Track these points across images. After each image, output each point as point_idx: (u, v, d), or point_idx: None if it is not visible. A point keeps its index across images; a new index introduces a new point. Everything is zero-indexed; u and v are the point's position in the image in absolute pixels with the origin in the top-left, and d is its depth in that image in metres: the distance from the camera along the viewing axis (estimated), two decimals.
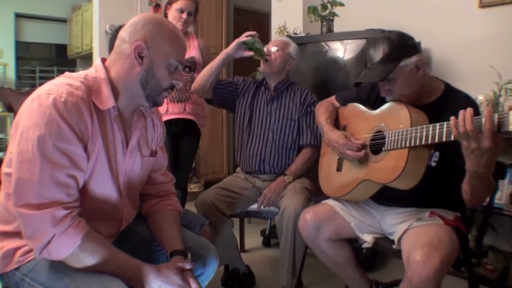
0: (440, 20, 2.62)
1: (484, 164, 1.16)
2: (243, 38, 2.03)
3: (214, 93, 2.20)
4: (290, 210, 1.89)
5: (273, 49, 2.16)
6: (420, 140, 1.32)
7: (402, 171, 1.35)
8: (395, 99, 1.50)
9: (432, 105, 1.49)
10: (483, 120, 1.10)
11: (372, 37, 1.52)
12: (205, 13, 4.30)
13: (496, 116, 1.09)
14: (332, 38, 2.71)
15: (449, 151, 1.40)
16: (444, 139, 1.24)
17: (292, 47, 2.21)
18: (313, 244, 1.69)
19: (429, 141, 1.29)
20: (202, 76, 2.14)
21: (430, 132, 1.28)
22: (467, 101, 1.41)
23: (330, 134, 1.67)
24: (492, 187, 1.32)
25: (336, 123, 1.78)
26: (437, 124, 1.27)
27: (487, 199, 1.59)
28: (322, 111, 1.80)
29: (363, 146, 1.55)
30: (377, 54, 1.44)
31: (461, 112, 1.15)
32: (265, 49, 2.12)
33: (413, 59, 1.42)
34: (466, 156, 1.19)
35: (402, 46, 1.43)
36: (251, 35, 2.02)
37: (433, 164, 1.46)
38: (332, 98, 1.87)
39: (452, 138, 1.21)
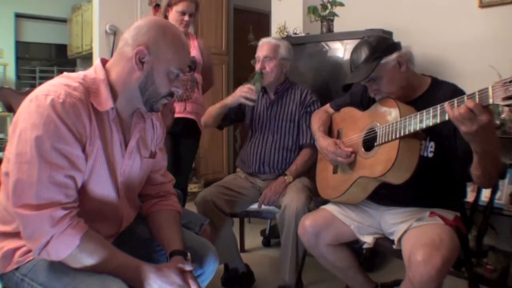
0: (440, 20, 2.62)
1: (490, 137, 1.18)
2: (243, 94, 2.00)
3: (222, 123, 2.25)
4: (291, 208, 1.90)
5: (266, 60, 2.12)
6: (409, 128, 1.35)
7: (394, 162, 1.37)
8: (384, 97, 1.54)
9: (420, 99, 1.52)
10: (465, 98, 1.15)
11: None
12: (205, 13, 4.29)
13: (476, 93, 1.13)
14: (332, 38, 2.71)
15: (445, 140, 1.44)
16: (431, 123, 1.28)
17: (283, 48, 2.17)
18: (313, 250, 1.69)
19: (417, 128, 1.32)
20: (206, 116, 2.20)
21: (418, 119, 1.32)
22: (454, 89, 1.44)
23: (321, 141, 1.72)
24: (501, 162, 1.34)
25: (331, 129, 1.82)
26: (424, 111, 1.31)
27: (488, 196, 1.60)
28: (316, 120, 1.87)
29: (353, 153, 1.58)
30: (359, 57, 1.52)
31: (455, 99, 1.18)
32: (257, 65, 2.13)
33: (394, 56, 1.49)
34: (470, 140, 1.20)
35: (381, 46, 1.51)
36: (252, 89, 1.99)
37: (430, 155, 1.48)
38: (327, 106, 1.93)
39: (439, 120, 1.24)
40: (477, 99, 1.12)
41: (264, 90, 2.24)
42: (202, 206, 2.02)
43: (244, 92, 1.99)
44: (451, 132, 1.40)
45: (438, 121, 1.25)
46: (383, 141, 1.46)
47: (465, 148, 1.28)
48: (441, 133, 1.44)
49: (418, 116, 1.33)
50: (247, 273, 2.25)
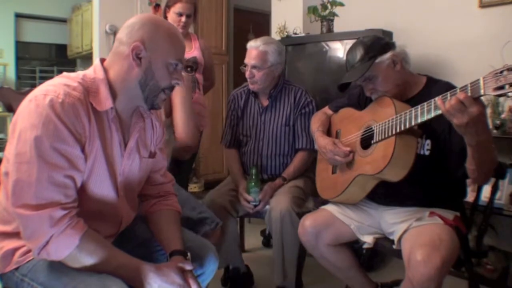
0: (440, 20, 2.62)
1: (482, 130, 1.20)
2: (244, 204, 2.05)
3: (236, 145, 2.27)
4: (276, 211, 1.90)
5: (254, 69, 2.07)
6: (405, 124, 1.36)
7: (390, 158, 1.38)
8: (379, 96, 1.56)
9: (416, 97, 1.53)
10: (458, 91, 1.17)
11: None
12: (205, 13, 4.30)
13: (468, 85, 1.15)
14: (332, 38, 2.71)
15: (441, 138, 1.45)
16: (426, 117, 1.29)
17: (271, 54, 2.05)
18: (314, 251, 1.70)
19: (413, 123, 1.34)
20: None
21: (413, 114, 1.34)
22: (448, 87, 1.44)
23: (320, 140, 1.73)
24: (495, 155, 1.34)
25: (330, 131, 1.83)
26: (419, 106, 1.33)
27: (488, 196, 1.61)
28: (315, 121, 1.88)
29: (351, 152, 1.59)
30: (355, 57, 1.54)
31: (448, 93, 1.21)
32: (246, 72, 2.08)
33: (388, 55, 1.51)
34: (462, 133, 1.22)
35: (375, 45, 1.53)
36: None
37: (427, 153, 1.49)
38: (325, 108, 1.94)
39: (433, 114, 1.26)
40: (469, 91, 1.14)
41: (255, 95, 2.20)
42: (210, 208, 2.02)
43: (244, 201, 2.04)
44: (446, 129, 1.41)
45: (432, 115, 1.27)
46: (380, 138, 1.46)
47: (461, 144, 1.29)
48: (436, 130, 1.46)
49: (413, 111, 1.34)
50: (247, 273, 2.26)
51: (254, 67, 2.06)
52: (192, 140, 1.88)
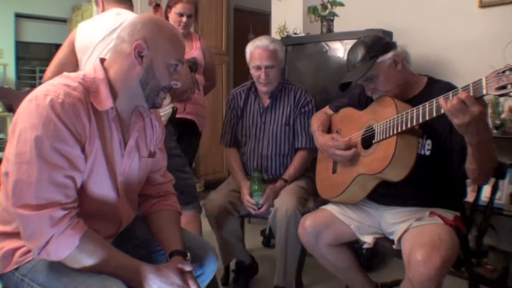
0: (440, 20, 2.62)
1: (483, 129, 1.20)
2: (248, 205, 2.05)
3: (236, 144, 2.26)
4: (281, 211, 1.90)
5: (268, 70, 2.06)
6: (406, 124, 1.36)
7: (391, 158, 1.38)
8: (381, 95, 1.56)
9: (417, 97, 1.53)
10: (460, 90, 1.18)
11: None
12: (205, 13, 4.29)
13: (470, 85, 1.16)
14: (332, 38, 2.71)
15: (441, 138, 1.46)
16: (427, 117, 1.29)
17: (279, 50, 2.09)
18: (314, 251, 1.70)
19: (414, 123, 1.34)
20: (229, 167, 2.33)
21: (415, 114, 1.34)
22: (449, 87, 1.45)
23: (320, 138, 1.73)
24: (496, 155, 1.34)
25: (330, 130, 1.83)
26: (420, 106, 1.33)
27: (488, 196, 1.60)
28: (315, 121, 1.88)
29: (350, 144, 1.59)
30: (356, 56, 1.55)
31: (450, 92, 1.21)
32: (261, 74, 2.06)
33: (389, 55, 1.51)
34: (463, 133, 1.22)
35: (377, 45, 1.53)
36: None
37: (427, 153, 1.49)
38: (326, 108, 1.94)
39: (435, 114, 1.26)
40: (471, 91, 1.14)
41: (256, 95, 2.21)
42: (212, 211, 2.05)
43: (248, 203, 2.04)
44: (447, 129, 1.41)
45: (434, 115, 1.27)
46: (381, 138, 1.47)
47: (462, 144, 1.30)
48: (437, 130, 1.46)
49: (414, 111, 1.35)
50: (251, 264, 2.30)
51: (268, 67, 2.06)
52: (190, 81, 2.05)
